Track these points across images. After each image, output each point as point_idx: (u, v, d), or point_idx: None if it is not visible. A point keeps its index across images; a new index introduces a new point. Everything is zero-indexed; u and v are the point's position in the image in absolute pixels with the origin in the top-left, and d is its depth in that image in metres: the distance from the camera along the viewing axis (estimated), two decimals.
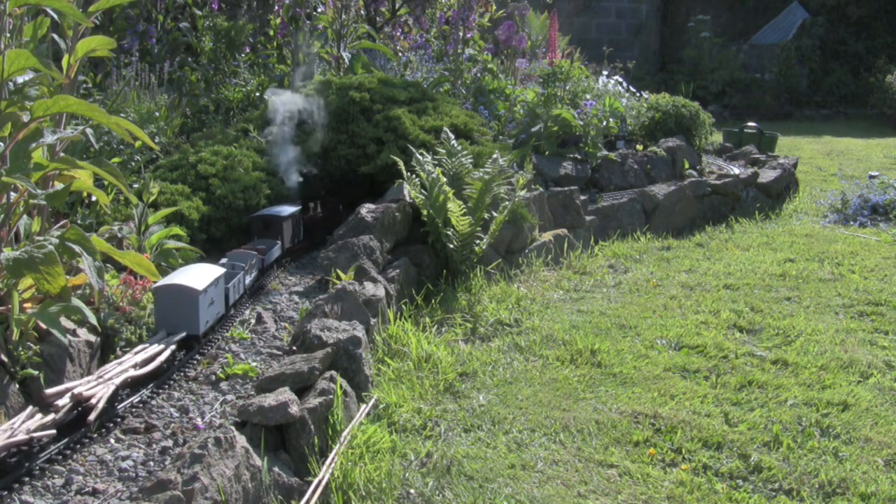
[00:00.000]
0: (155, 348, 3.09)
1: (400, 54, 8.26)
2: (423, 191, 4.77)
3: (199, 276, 3.40)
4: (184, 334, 3.29)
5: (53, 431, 2.53)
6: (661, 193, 6.84)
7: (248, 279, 4.05)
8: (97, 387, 2.72)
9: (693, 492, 2.89)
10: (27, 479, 2.41)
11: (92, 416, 2.63)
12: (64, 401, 2.60)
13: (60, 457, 2.55)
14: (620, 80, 8.95)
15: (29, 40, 3.48)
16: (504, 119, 7.01)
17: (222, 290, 3.63)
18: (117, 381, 2.80)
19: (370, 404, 3.23)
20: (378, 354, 3.72)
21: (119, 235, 3.86)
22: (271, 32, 7.53)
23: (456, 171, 5.04)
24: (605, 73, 8.91)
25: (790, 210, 7.70)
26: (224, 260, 3.98)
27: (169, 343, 3.18)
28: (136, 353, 3.04)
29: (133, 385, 2.94)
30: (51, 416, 2.54)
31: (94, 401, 2.66)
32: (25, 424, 2.45)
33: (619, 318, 4.57)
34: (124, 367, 2.91)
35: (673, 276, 5.47)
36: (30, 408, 2.55)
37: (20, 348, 2.79)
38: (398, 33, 8.90)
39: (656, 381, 3.75)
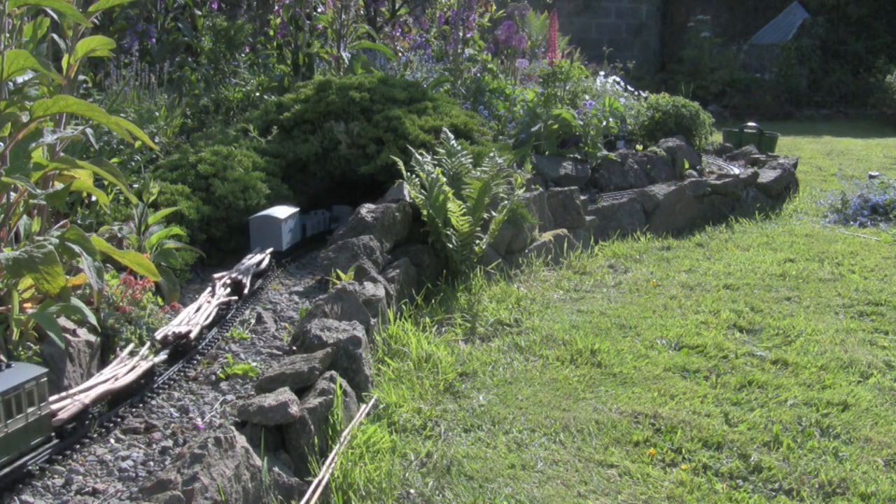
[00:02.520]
0: (258, 257, 4.40)
1: (400, 54, 8.26)
2: (422, 191, 4.77)
3: (281, 211, 4.76)
4: (271, 249, 4.56)
5: (235, 297, 3.95)
6: (661, 193, 6.84)
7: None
8: (241, 276, 4.08)
9: (693, 492, 2.89)
10: (27, 479, 2.41)
11: (245, 291, 4.02)
12: (224, 281, 3.99)
13: (237, 314, 3.87)
14: (618, 79, 8.95)
15: (28, 40, 3.48)
16: (504, 119, 7.02)
17: (299, 224, 5.01)
18: (250, 272, 4.19)
19: (370, 404, 3.22)
20: (378, 354, 3.72)
21: (119, 235, 3.86)
22: (271, 32, 7.53)
23: (456, 171, 5.04)
24: (602, 73, 8.89)
25: (790, 210, 7.70)
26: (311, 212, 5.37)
27: (265, 254, 4.46)
28: (250, 258, 4.36)
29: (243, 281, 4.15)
30: (227, 290, 3.92)
31: (244, 283, 4.06)
32: (219, 292, 3.86)
33: (619, 318, 4.57)
34: (247, 265, 4.25)
35: (673, 276, 5.47)
36: (214, 286, 3.93)
37: (20, 348, 2.79)
38: (398, 33, 8.90)
39: (656, 381, 3.75)
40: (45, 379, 2.49)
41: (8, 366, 2.47)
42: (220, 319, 3.72)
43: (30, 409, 2.45)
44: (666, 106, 8.17)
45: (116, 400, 2.88)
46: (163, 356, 3.18)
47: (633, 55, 15.87)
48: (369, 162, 5.44)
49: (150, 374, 3.05)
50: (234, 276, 4.03)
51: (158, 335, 3.25)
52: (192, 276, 4.35)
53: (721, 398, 3.61)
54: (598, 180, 6.94)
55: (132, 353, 3.10)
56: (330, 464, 2.74)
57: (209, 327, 3.56)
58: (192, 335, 3.31)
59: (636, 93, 8.96)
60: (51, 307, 2.79)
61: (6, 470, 2.35)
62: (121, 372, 2.92)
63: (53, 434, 2.54)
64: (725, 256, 6.02)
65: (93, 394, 2.72)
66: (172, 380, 3.14)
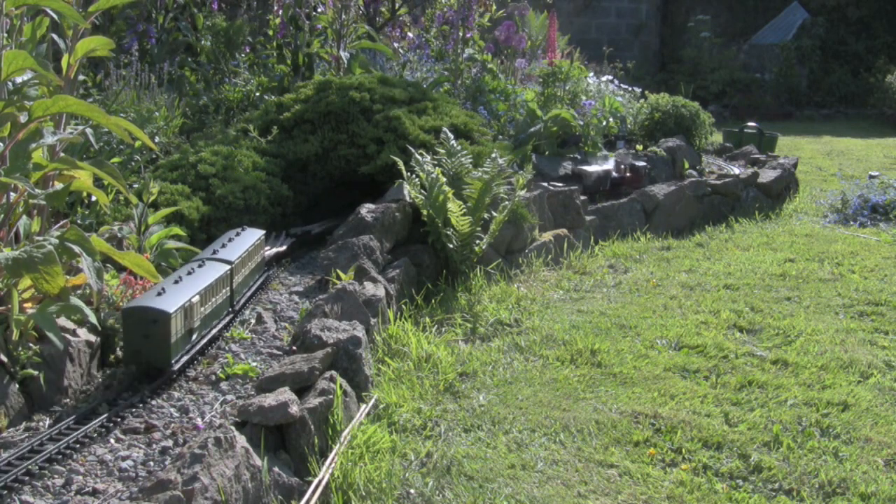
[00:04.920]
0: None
1: (399, 54, 8.26)
2: (422, 191, 4.77)
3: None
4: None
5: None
6: (661, 193, 6.83)
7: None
8: (359, 209, 4.97)
9: (693, 492, 2.89)
10: (27, 478, 2.41)
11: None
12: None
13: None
14: (611, 79, 8.94)
15: (28, 40, 3.48)
16: (504, 119, 7.01)
17: None
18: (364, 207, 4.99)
19: (370, 404, 3.22)
20: (378, 354, 3.72)
21: (119, 235, 3.85)
22: (271, 32, 7.52)
23: (456, 171, 5.04)
24: (590, 74, 8.84)
25: (790, 210, 7.71)
26: None
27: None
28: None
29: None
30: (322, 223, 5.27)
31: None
32: (317, 226, 5.23)
33: (619, 318, 4.57)
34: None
35: (673, 276, 5.47)
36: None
37: (20, 348, 2.78)
38: (397, 33, 8.90)
39: (656, 381, 3.75)
40: (264, 236, 4.20)
41: (243, 230, 4.07)
42: (332, 229, 4.95)
43: (260, 251, 4.15)
44: (666, 106, 8.17)
45: (279, 258, 4.62)
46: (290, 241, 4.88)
47: (633, 55, 15.87)
48: (369, 162, 5.44)
49: (292, 246, 4.80)
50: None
51: (290, 231, 4.99)
52: None
53: (721, 398, 3.61)
54: None
55: (275, 238, 4.85)
56: (330, 464, 2.74)
57: (324, 233, 5.04)
58: (313, 232, 5.05)
59: (629, 89, 8.94)
60: (50, 307, 2.79)
61: (254, 287, 4.04)
62: (277, 244, 4.72)
63: (266, 268, 4.33)
64: (725, 256, 6.02)
65: (273, 251, 4.54)
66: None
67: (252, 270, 3.97)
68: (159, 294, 3.07)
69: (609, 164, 6.87)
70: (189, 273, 3.33)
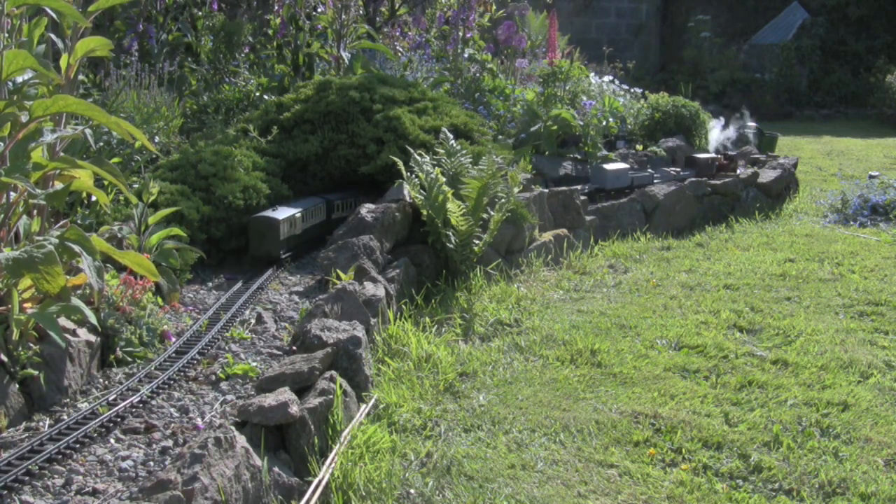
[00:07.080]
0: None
1: (400, 54, 8.26)
2: (422, 191, 4.76)
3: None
4: None
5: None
6: (661, 193, 6.83)
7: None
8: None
9: (693, 492, 2.89)
10: (27, 478, 2.41)
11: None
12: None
13: None
14: (612, 79, 8.95)
15: (27, 40, 3.47)
16: (504, 119, 7.02)
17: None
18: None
19: (370, 404, 3.22)
20: (378, 354, 3.71)
21: (119, 235, 3.85)
22: (271, 32, 7.53)
23: (455, 171, 5.04)
24: (593, 74, 8.86)
25: (790, 210, 7.70)
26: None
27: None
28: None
29: None
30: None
31: None
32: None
33: (619, 318, 4.57)
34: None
35: (673, 276, 5.47)
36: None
37: (20, 348, 2.78)
38: (398, 33, 8.90)
39: (656, 381, 3.75)
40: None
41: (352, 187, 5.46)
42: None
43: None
44: (666, 106, 8.18)
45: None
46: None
47: (633, 55, 15.87)
48: (369, 162, 5.44)
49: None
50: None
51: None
52: (192, 276, 4.35)
53: (721, 398, 3.61)
54: None
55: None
56: (330, 464, 2.74)
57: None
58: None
59: (630, 89, 8.95)
60: (51, 307, 2.79)
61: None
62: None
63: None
64: (725, 256, 6.01)
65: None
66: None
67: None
68: (273, 209, 4.67)
69: (713, 152, 8.23)
70: (298, 201, 5.01)
